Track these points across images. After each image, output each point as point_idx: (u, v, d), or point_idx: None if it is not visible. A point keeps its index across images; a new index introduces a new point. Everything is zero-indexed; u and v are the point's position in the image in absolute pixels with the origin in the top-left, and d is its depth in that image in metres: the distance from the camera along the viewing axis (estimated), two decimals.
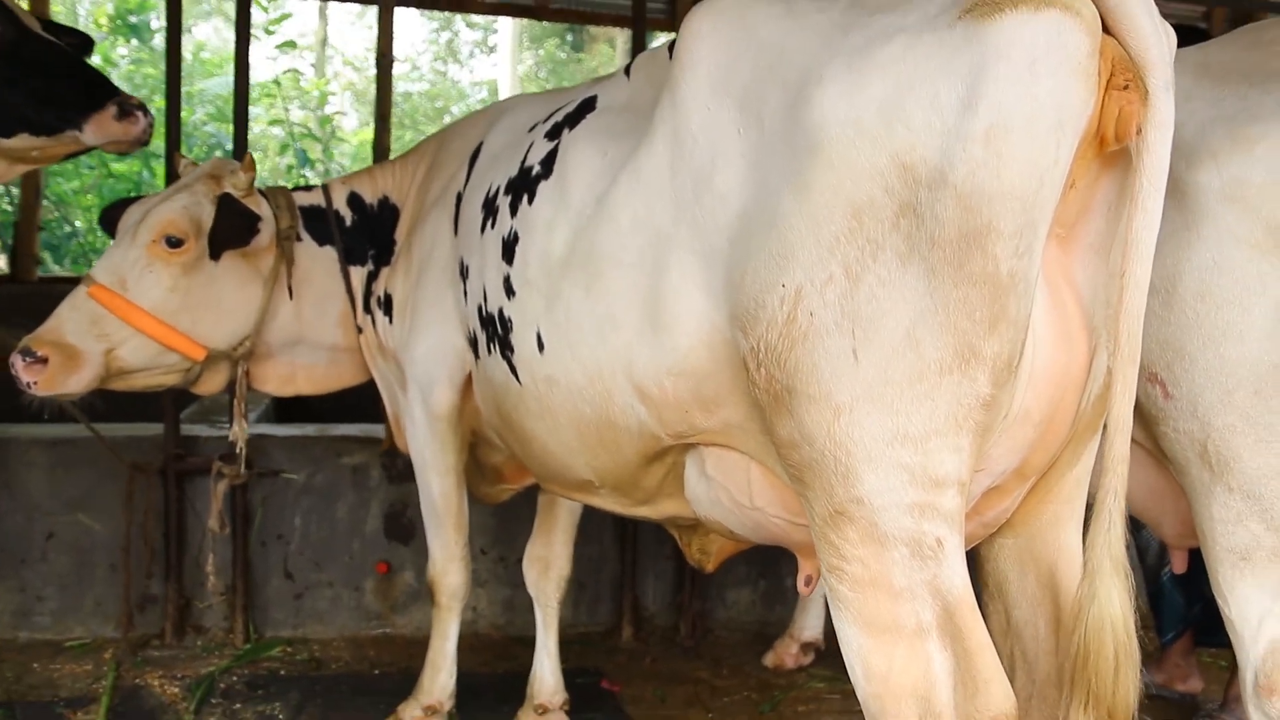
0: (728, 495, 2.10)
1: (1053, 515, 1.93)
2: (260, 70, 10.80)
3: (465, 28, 17.85)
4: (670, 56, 2.15)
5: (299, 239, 3.17)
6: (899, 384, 1.61)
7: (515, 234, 2.40)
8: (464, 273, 2.70)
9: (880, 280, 1.61)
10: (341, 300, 3.24)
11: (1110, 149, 1.62)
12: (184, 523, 3.97)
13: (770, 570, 4.52)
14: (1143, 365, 1.83)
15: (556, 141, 2.41)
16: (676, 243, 1.92)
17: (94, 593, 3.95)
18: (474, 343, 2.67)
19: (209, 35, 14.75)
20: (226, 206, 2.93)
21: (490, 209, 2.56)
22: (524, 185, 2.43)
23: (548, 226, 2.27)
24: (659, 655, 4.12)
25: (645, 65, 2.38)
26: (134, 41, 9.93)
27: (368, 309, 3.25)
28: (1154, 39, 1.56)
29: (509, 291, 2.39)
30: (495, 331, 2.46)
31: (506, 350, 2.42)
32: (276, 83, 9.72)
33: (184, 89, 10.79)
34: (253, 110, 12.45)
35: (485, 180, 2.71)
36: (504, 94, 14.16)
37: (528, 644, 4.10)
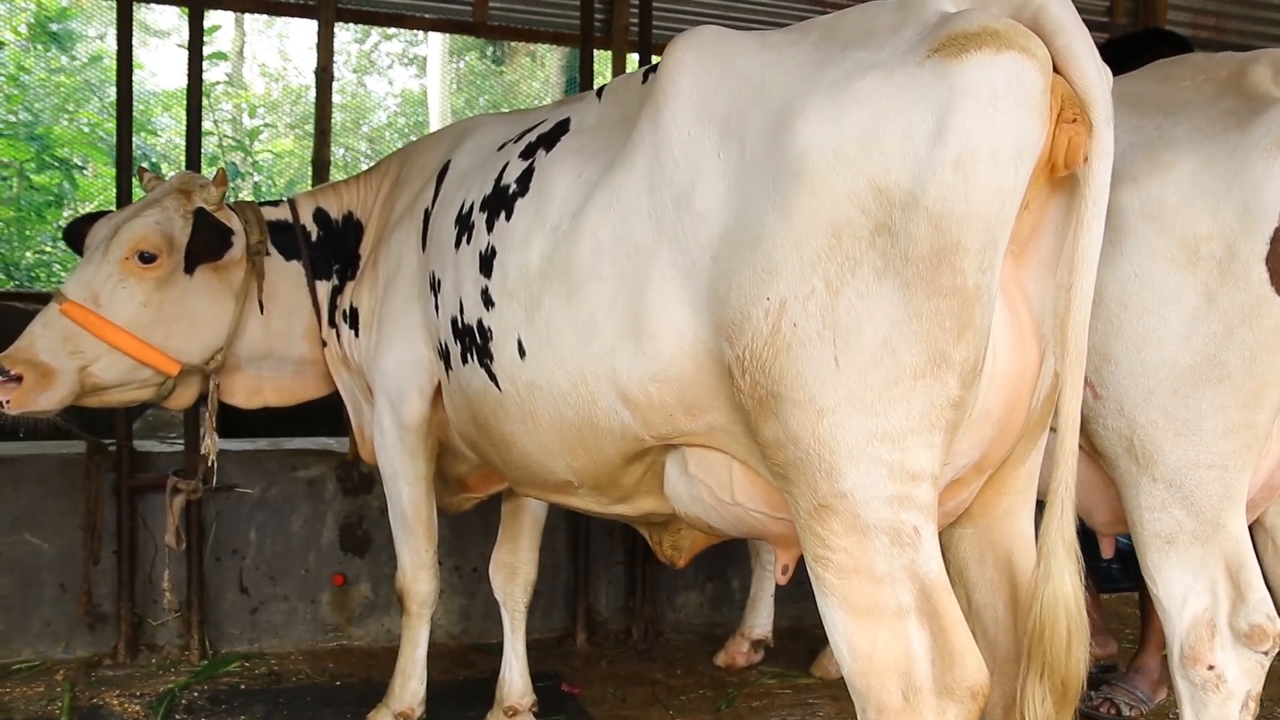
0: (709, 493, 2.19)
1: (1008, 506, 2.10)
2: (173, 79, 10.60)
3: (384, 39, 17.70)
4: (645, 82, 2.29)
5: (267, 254, 3.21)
6: (877, 388, 1.76)
7: (493, 249, 2.47)
8: (435, 286, 2.77)
9: (859, 293, 1.75)
10: (308, 314, 3.29)
11: (1059, 175, 1.81)
12: (136, 539, 3.93)
13: (718, 574, 4.68)
14: None
15: (531, 160, 2.50)
16: (658, 258, 2.02)
17: (41, 613, 3.88)
18: (445, 354, 2.73)
19: (114, 44, 14.38)
20: (202, 220, 2.95)
21: (465, 225, 2.64)
22: (500, 203, 2.51)
23: (525, 240, 2.35)
24: (614, 658, 4.23)
25: (618, 89, 2.49)
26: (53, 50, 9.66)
27: (332, 323, 3.29)
28: (1097, 78, 1.76)
29: (488, 303, 2.46)
30: (473, 341, 2.53)
31: (485, 358, 2.49)
32: (206, 94, 9.55)
33: (97, 98, 10.52)
34: (167, 121, 12.23)
35: (456, 197, 2.78)
36: (434, 106, 14.06)
37: (485, 651, 4.19)
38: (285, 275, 3.26)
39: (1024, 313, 1.92)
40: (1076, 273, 1.80)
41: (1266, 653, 2.31)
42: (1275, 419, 2.32)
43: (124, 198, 3.89)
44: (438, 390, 2.98)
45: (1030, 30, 1.73)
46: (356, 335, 3.21)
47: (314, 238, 3.31)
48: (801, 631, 4.44)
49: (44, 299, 3.03)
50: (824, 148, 1.76)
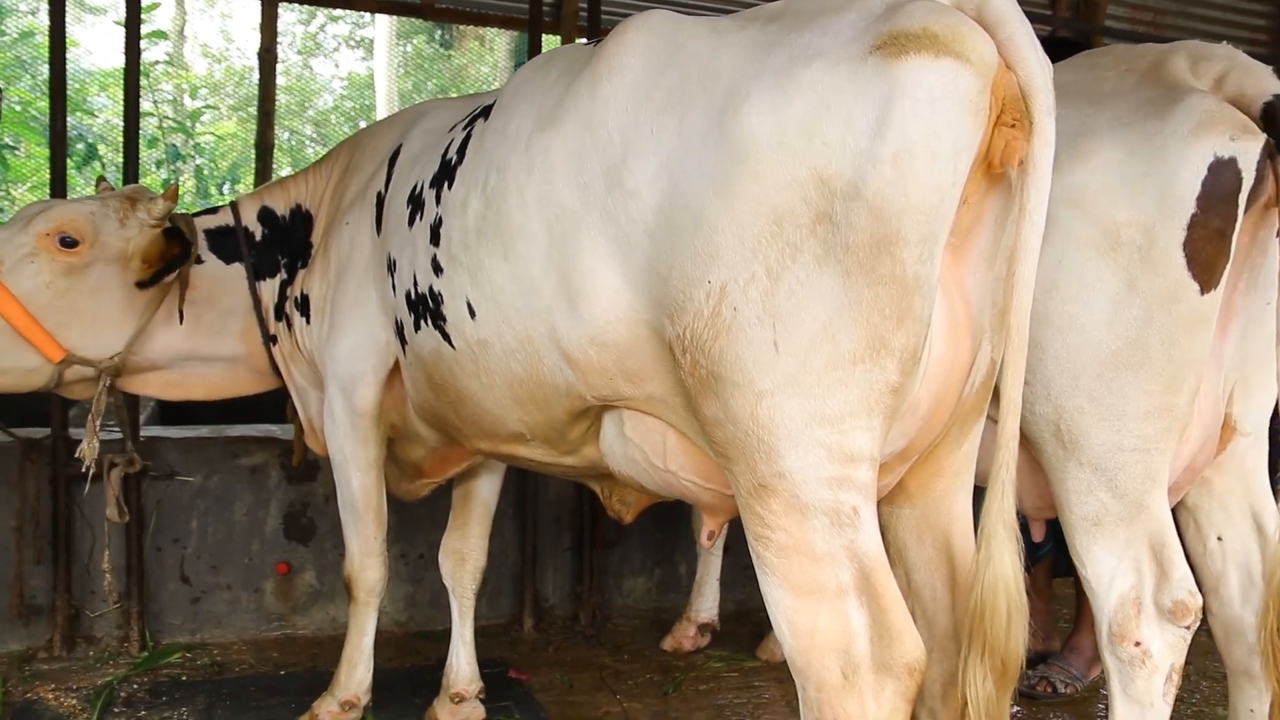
0: (643, 456, 2.24)
1: (945, 488, 2.15)
2: (111, 58, 10.34)
3: (330, 21, 17.41)
4: (588, 52, 2.28)
5: (200, 261, 3.16)
6: (817, 372, 1.79)
7: (439, 218, 2.49)
8: (391, 267, 2.76)
9: (799, 280, 1.78)
10: (246, 314, 3.23)
11: (997, 172, 1.86)
12: (72, 530, 3.85)
13: (664, 559, 4.71)
14: None
15: (470, 129, 2.52)
16: (586, 226, 2.03)
17: None
18: (400, 330, 2.74)
19: (47, 19, 13.97)
20: (175, 236, 2.97)
21: (417, 203, 2.64)
22: (445, 175, 2.52)
23: (464, 203, 2.38)
24: (561, 644, 4.25)
25: (557, 54, 2.47)
26: None
27: (282, 316, 3.25)
28: (1038, 70, 1.79)
29: (437, 270, 2.48)
30: (426, 308, 2.54)
31: (439, 320, 2.50)
32: (145, 74, 9.32)
33: (29, 75, 10.21)
34: (104, 101, 11.91)
35: (409, 179, 2.77)
36: (380, 89, 13.86)
37: (431, 639, 4.18)
38: (223, 280, 3.21)
39: (959, 306, 1.95)
40: (1019, 260, 1.83)
41: (1189, 627, 2.38)
42: (1194, 403, 2.40)
43: (58, 179, 3.80)
44: (391, 374, 2.96)
45: (974, 23, 1.76)
46: (308, 322, 3.18)
47: (258, 238, 3.26)
48: (746, 615, 4.50)
49: None
50: (768, 135, 1.77)
